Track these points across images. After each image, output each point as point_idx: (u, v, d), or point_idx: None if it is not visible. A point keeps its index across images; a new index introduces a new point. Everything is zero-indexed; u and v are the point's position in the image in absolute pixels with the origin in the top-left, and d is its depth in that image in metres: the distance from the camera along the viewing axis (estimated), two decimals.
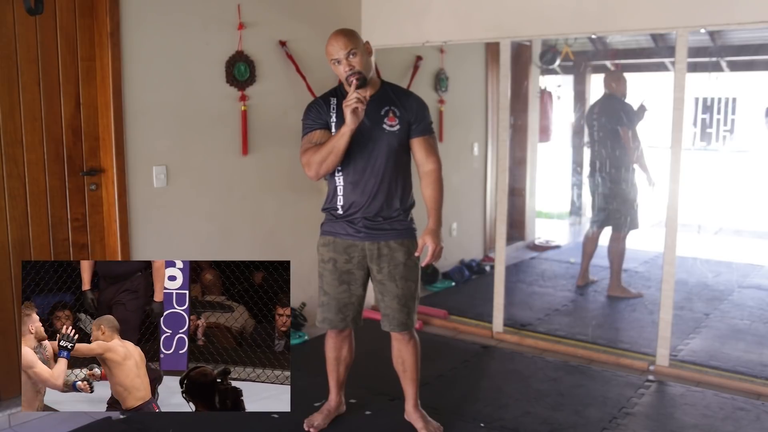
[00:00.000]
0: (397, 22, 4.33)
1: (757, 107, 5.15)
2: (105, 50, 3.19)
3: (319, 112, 2.71)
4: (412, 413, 2.94)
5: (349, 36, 2.60)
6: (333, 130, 2.67)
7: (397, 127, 2.67)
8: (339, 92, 2.75)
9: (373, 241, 2.71)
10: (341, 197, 2.72)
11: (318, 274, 2.83)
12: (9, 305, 3.05)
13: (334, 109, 2.70)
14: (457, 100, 5.37)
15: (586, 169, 4.93)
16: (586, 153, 4.99)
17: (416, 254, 2.73)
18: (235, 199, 3.86)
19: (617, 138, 4.67)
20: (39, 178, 3.10)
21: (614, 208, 4.77)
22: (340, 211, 2.73)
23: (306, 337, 4.05)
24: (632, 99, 4.70)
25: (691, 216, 4.61)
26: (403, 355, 2.86)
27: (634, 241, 4.87)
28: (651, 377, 3.54)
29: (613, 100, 4.74)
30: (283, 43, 4.01)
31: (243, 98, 3.80)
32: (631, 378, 3.52)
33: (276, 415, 3.05)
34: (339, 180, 2.72)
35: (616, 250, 4.79)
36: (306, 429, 2.93)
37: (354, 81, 2.55)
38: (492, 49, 5.34)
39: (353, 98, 2.50)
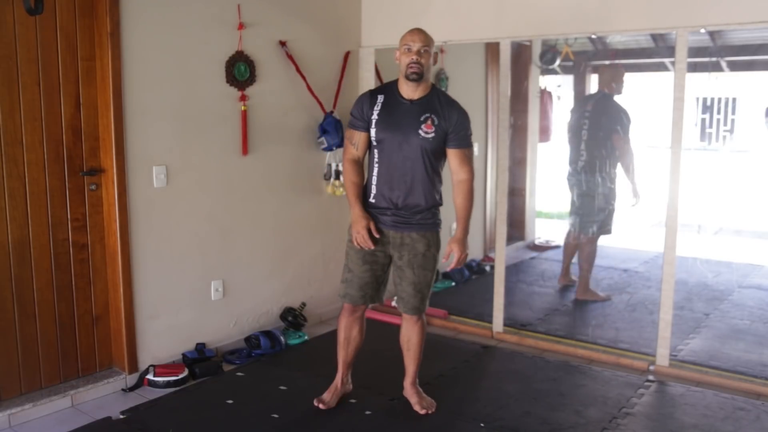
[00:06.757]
0: (397, 22, 4.30)
1: (757, 107, 5.14)
2: (105, 50, 3.19)
3: (363, 108, 2.92)
4: (408, 389, 3.12)
5: (429, 37, 2.84)
6: (374, 126, 2.89)
7: (432, 134, 2.85)
8: (389, 89, 2.93)
9: (398, 231, 2.92)
10: (374, 187, 2.94)
11: (345, 252, 3.04)
12: (9, 305, 3.05)
13: (379, 105, 2.88)
14: (458, 99, 5.32)
15: (566, 168, 4.77)
16: (573, 150, 4.77)
17: (443, 260, 2.97)
18: (235, 199, 3.86)
19: (607, 140, 4.56)
20: (39, 178, 3.09)
21: (589, 210, 4.66)
22: (372, 200, 2.95)
23: (306, 337, 4.04)
24: (630, 98, 4.65)
25: (691, 216, 4.60)
26: (409, 333, 3.06)
27: (633, 241, 4.86)
28: (651, 377, 3.54)
29: (609, 101, 4.60)
30: (283, 43, 4.00)
31: (243, 98, 3.80)
32: (631, 378, 3.52)
33: (276, 415, 3.06)
34: (374, 172, 2.94)
35: (586, 253, 4.69)
36: (315, 404, 3.07)
37: (413, 72, 2.78)
38: (492, 49, 5.34)
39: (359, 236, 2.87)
